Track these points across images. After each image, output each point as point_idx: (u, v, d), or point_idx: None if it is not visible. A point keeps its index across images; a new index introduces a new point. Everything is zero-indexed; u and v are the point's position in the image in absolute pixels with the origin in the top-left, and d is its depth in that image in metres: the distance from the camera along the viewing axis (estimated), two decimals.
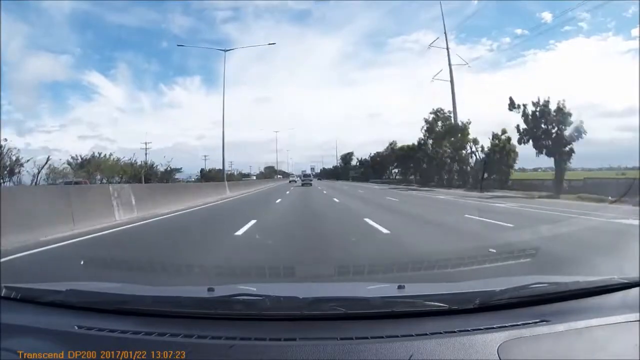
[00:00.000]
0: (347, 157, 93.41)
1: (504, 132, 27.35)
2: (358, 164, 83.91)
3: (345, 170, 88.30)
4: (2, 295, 1.60)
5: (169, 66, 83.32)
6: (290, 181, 57.92)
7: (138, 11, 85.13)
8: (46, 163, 27.30)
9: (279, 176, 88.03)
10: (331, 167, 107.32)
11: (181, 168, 49.31)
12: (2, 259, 4.50)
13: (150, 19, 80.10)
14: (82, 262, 3.93)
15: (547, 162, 23.69)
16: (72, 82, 78.85)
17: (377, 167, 67.61)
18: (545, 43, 74.31)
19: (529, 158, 28.31)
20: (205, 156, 67.03)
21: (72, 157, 33.93)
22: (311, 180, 45.53)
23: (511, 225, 7.90)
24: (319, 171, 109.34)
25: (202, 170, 60.58)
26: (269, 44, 40.11)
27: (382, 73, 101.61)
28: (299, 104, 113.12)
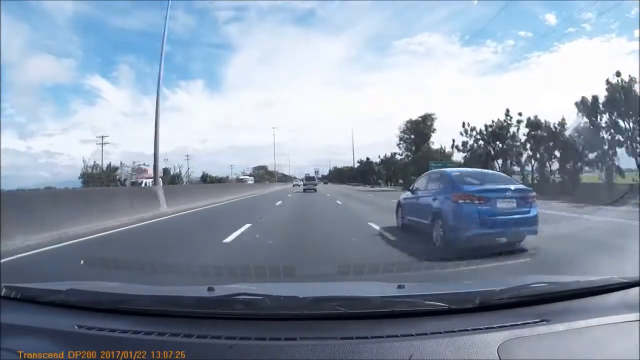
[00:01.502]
0: (419, 126, 38.82)
1: None
2: (476, 142, 28.04)
3: (406, 165, 38.21)
4: (2, 295, 1.60)
5: (171, 70, 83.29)
6: (294, 185, 51.49)
7: (140, 14, 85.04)
8: None
9: (239, 177, 58.90)
10: (348, 166, 70.94)
11: None
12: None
13: (153, 22, 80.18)
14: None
15: None
16: (74, 86, 78.53)
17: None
18: (549, 45, 73.57)
19: None
20: (102, 137, 40.74)
21: None
22: (315, 185, 36.37)
23: None
24: (326, 173, 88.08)
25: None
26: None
27: (386, 76, 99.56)
28: (303, 107, 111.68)
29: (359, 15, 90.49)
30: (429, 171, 7.98)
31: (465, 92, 77.72)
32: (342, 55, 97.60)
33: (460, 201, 5.29)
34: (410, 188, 7.44)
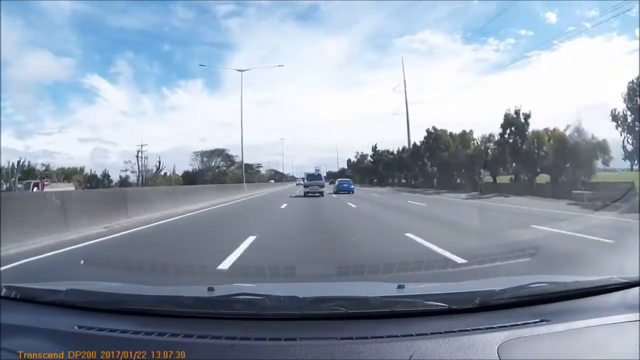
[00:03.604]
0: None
1: None
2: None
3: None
4: (2, 295, 1.60)
5: (170, 69, 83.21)
6: (297, 184, 44.68)
7: (139, 13, 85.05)
8: None
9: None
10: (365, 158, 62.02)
11: None
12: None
13: (152, 22, 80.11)
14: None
15: None
16: (73, 85, 78.91)
17: None
18: (549, 43, 72.84)
19: None
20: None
21: None
22: (322, 187, 25.01)
23: None
24: (330, 171, 74.40)
25: None
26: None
27: (386, 74, 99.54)
28: (303, 106, 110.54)
29: (360, 13, 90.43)
30: (337, 178, 36.99)
31: (466, 90, 78.16)
32: (342, 52, 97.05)
33: (339, 183, 31.55)
34: (334, 182, 35.57)
